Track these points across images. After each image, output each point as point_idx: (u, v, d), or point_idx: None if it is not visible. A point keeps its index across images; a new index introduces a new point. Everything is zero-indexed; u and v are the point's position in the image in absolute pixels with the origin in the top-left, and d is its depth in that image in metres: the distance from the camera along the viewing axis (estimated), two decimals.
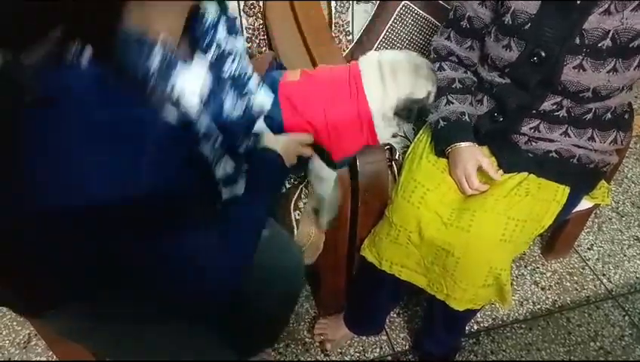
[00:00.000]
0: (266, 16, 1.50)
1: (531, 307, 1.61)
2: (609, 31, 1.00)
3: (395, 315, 1.56)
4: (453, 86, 1.20)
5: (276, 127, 0.99)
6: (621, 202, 1.97)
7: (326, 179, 1.03)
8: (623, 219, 1.91)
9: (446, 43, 1.23)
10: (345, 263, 1.36)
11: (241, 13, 1.47)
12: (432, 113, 1.21)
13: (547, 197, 1.14)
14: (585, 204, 1.32)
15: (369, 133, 1.06)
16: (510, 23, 1.09)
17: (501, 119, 1.18)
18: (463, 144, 1.14)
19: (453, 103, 1.18)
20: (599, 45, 1.01)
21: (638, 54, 1.02)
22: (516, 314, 1.59)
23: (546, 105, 1.12)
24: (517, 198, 1.11)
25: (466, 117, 1.17)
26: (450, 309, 1.17)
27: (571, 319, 1.58)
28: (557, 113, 1.12)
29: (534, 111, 1.14)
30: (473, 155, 1.12)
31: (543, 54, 1.06)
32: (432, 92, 1.14)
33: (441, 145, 1.18)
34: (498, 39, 1.12)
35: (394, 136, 1.16)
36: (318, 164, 1.02)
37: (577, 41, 1.02)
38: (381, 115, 1.05)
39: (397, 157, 1.31)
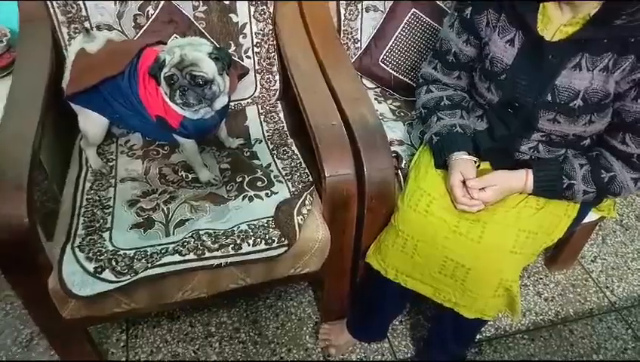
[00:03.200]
0: (276, 22, 1.51)
1: (534, 318, 1.61)
2: (579, 91, 1.00)
3: (397, 323, 1.56)
4: (441, 104, 1.21)
5: None
6: (625, 215, 1.97)
7: (186, 144, 1.34)
8: (627, 232, 1.91)
9: (433, 72, 1.25)
10: (349, 269, 1.36)
11: (251, 18, 1.48)
12: (426, 132, 1.23)
13: (558, 212, 1.14)
14: (591, 216, 1.32)
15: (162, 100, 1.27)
16: (489, 69, 1.10)
17: (500, 137, 1.18)
18: (455, 155, 1.14)
19: (443, 119, 1.19)
20: (571, 105, 1.01)
21: (612, 105, 1.02)
22: (519, 325, 1.58)
23: (536, 136, 1.11)
24: (528, 210, 1.11)
25: (458, 128, 1.17)
26: (461, 318, 1.17)
27: (574, 331, 1.58)
28: (552, 139, 1.12)
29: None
30: (458, 168, 1.12)
31: (517, 105, 1.08)
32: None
33: (439, 159, 1.18)
34: (482, 80, 1.14)
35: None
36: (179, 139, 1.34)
37: (549, 98, 1.03)
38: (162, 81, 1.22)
39: (403, 165, 1.31)
